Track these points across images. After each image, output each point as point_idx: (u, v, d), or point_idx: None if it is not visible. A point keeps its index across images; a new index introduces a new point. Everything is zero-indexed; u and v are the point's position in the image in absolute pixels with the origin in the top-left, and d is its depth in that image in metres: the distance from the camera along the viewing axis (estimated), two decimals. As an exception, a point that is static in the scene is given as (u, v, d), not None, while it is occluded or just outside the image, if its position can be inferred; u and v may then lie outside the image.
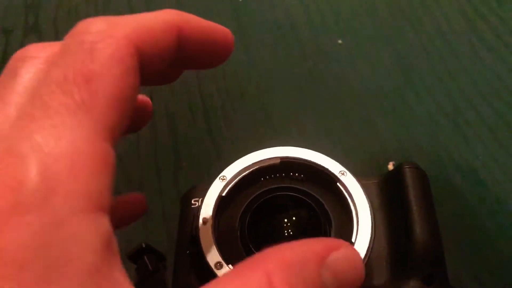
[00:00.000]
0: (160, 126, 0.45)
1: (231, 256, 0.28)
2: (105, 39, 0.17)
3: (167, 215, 0.40)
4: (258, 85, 0.47)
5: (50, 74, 0.16)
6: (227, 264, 0.27)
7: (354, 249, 0.19)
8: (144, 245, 0.35)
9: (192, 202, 0.35)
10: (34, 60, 0.19)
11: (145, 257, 0.35)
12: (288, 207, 0.32)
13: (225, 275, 0.16)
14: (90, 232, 0.14)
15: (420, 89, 0.45)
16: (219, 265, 0.27)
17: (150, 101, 0.27)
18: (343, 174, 0.30)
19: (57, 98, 0.16)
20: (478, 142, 0.42)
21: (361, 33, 0.49)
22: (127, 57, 0.17)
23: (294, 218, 0.32)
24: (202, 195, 0.31)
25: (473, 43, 0.47)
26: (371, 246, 0.28)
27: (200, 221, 0.29)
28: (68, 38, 0.18)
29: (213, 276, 0.27)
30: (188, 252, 0.32)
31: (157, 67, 0.20)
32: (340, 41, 0.49)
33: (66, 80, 0.16)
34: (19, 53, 0.19)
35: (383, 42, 0.48)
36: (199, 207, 0.30)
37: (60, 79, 0.16)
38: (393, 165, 0.40)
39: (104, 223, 0.15)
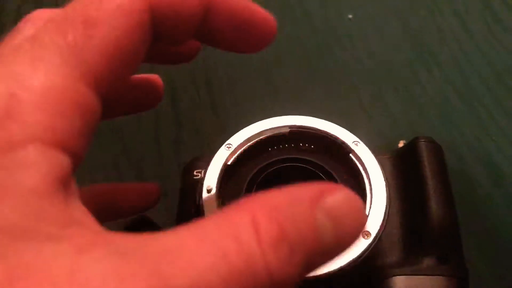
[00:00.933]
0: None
1: (236, 227, 0.27)
2: None
3: (167, 190, 0.38)
4: (264, 58, 0.45)
5: (53, 17, 0.16)
6: (232, 234, 0.26)
7: (354, 193, 0.16)
8: (141, 217, 0.34)
9: (195, 173, 0.33)
10: (38, 20, 0.18)
11: (142, 230, 0.33)
12: (297, 179, 0.30)
13: (210, 217, 0.15)
14: (42, 161, 0.14)
15: (433, 67, 0.43)
16: (223, 235, 0.26)
17: (160, 81, 0.27)
18: (356, 144, 0.29)
19: (50, 35, 0.15)
20: (492, 123, 0.40)
21: (372, 8, 0.47)
22: (137, 11, 0.17)
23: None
24: (205, 166, 0.29)
25: (488, 22, 0.46)
26: (385, 220, 0.26)
27: (204, 189, 0.28)
28: None
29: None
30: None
31: (176, 36, 0.19)
32: (350, 16, 0.47)
33: (65, 20, 0.16)
34: (25, 17, 0.19)
35: (394, 17, 0.47)
36: (203, 176, 0.29)
37: (61, 19, 0.16)
38: (404, 143, 0.39)
39: (60, 159, 0.14)
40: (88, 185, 0.29)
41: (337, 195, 0.16)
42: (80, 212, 0.15)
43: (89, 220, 0.15)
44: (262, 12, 0.21)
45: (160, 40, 0.18)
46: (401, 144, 0.37)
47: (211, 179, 0.28)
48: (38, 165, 0.14)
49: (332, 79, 0.44)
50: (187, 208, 0.31)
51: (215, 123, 0.41)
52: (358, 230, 0.17)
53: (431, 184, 0.29)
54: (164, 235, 0.14)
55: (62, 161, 0.14)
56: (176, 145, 0.40)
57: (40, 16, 0.18)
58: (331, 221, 0.15)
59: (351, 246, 0.25)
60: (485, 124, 0.40)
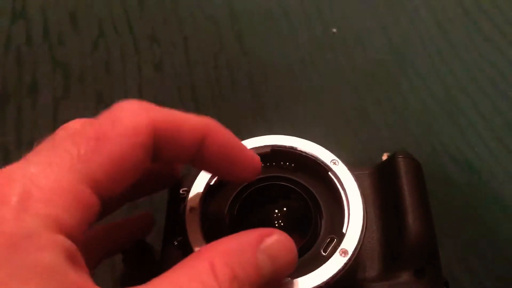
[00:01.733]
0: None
1: (219, 247, 0.28)
2: (131, 115, 0.20)
3: (155, 206, 0.39)
4: (250, 73, 0.46)
5: (78, 129, 0.20)
6: (214, 254, 0.27)
7: (286, 235, 0.22)
8: (137, 241, 0.34)
9: (181, 192, 0.34)
10: (69, 130, 0.21)
11: (138, 253, 0.34)
12: (279, 197, 0.31)
13: (173, 267, 0.20)
14: (53, 244, 0.17)
15: (415, 78, 0.44)
16: (206, 256, 0.27)
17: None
18: (335, 163, 0.30)
19: (65, 145, 0.19)
20: (472, 132, 0.41)
21: (356, 22, 0.48)
22: (142, 135, 0.20)
23: (284, 208, 0.31)
24: (191, 185, 0.30)
25: (469, 32, 0.47)
26: (362, 237, 0.27)
27: (188, 208, 0.29)
28: (105, 113, 0.21)
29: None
30: (175, 243, 0.31)
31: (174, 159, 0.24)
32: (334, 30, 0.48)
33: (81, 133, 0.20)
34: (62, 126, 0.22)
35: (378, 31, 0.47)
36: (186, 196, 0.29)
37: (78, 131, 0.20)
38: (388, 156, 0.39)
39: (66, 242, 0.18)
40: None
41: (273, 238, 0.22)
42: (86, 280, 0.18)
43: (92, 285, 0.18)
44: (249, 152, 0.26)
45: (158, 161, 0.22)
46: (384, 157, 0.37)
47: (194, 199, 0.29)
48: (51, 247, 0.17)
49: (316, 92, 0.45)
50: (174, 226, 0.32)
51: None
52: (291, 264, 0.22)
53: (408, 199, 0.30)
54: None
55: (68, 243, 0.18)
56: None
57: (71, 127, 0.21)
58: (269, 259, 0.21)
59: (330, 264, 0.26)
60: (466, 133, 0.41)
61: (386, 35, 0.47)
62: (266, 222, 0.31)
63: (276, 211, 0.31)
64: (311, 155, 0.30)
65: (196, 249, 0.27)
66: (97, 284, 0.18)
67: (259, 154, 0.31)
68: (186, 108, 0.43)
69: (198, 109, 0.44)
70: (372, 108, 0.43)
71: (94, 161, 0.19)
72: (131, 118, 0.20)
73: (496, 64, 0.44)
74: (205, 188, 0.30)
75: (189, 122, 0.23)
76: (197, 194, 0.29)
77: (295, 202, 0.30)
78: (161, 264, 0.32)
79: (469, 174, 0.39)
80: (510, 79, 0.43)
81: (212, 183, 0.30)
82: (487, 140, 0.40)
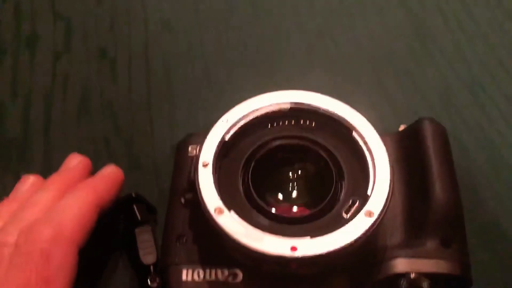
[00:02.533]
0: (155, 73, 0.41)
1: (233, 204, 0.26)
2: (57, 246, 0.25)
3: (159, 168, 0.37)
4: (263, 38, 0.44)
5: (17, 277, 0.24)
6: (229, 210, 0.25)
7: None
8: (134, 195, 0.32)
9: (189, 149, 0.32)
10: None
11: (134, 206, 0.31)
12: (297, 158, 0.29)
13: None
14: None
15: (435, 52, 0.42)
16: (219, 211, 0.25)
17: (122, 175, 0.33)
18: (360, 122, 0.28)
19: None
20: (494, 109, 0.39)
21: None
22: (73, 256, 0.26)
23: (302, 169, 0.29)
24: (201, 141, 0.28)
25: (493, 9, 0.45)
26: (389, 198, 0.25)
27: (200, 163, 0.26)
28: (29, 245, 0.25)
29: (212, 223, 0.25)
30: (183, 200, 0.29)
31: None
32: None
33: (29, 284, 0.24)
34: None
35: (397, 1, 0.45)
36: (199, 151, 0.27)
37: (26, 282, 0.24)
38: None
39: None
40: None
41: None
42: None
43: None
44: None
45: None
46: (401, 128, 0.35)
47: (207, 154, 0.27)
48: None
49: (331, 62, 0.42)
50: (181, 184, 0.30)
51: (210, 101, 0.40)
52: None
53: (435, 165, 0.28)
54: None
55: None
56: (169, 122, 0.39)
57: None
58: None
59: (353, 226, 0.24)
60: (487, 111, 0.39)
61: (405, 5, 0.45)
62: (283, 184, 0.29)
63: (294, 172, 0.29)
64: (334, 113, 0.28)
65: (210, 206, 0.25)
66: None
67: (278, 111, 0.29)
68: (195, 68, 0.42)
69: (207, 70, 0.42)
70: (389, 81, 0.41)
71: None
72: (58, 250, 0.25)
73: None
74: (219, 144, 0.28)
75: (91, 214, 0.28)
76: (211, 149, 0.27)
77: (314, 163, 0.28)
78: (166, 222, 0.30)
79: (490, 152, 0.37)
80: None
81: (227, 139, 0.28)
82: (509, 118, 0.38)
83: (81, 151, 0.35)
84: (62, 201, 0.27)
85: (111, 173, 0.32)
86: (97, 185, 0.30)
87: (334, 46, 0.43)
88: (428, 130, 0.29)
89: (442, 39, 0.43)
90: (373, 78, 0.41)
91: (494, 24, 0.44)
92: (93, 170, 0.33)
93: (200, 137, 0.29)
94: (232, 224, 0.24)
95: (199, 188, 0.26)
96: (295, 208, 0.27)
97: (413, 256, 0.26)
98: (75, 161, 0.33)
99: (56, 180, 0.31)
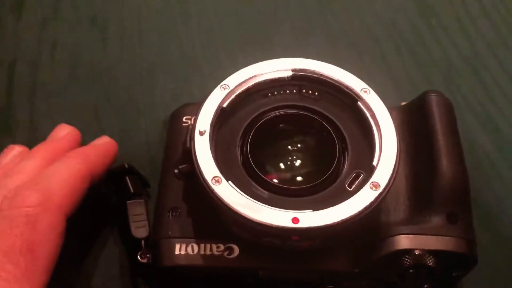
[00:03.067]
0: (148, 41, 0.40)
1: (231, 174, 0.24)
2: (44, 212, 0.23)
3: (151, 140, 0.35)
4: (262, 11, 0.42)
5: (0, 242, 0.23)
6: (227, 180, 0.23)
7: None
8: (127, 166, 0.31)
9: (184, 119, 0.31)
10: None
11: (127, 178, 0.30)
12: (298, 128, 0.28)
13: None
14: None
15: (437, 29, 0.41)
16: (216, 180, 0.23)
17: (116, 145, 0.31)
18: (365, 92, 0.26)
19: (6, 268, 0.22)
20: (496, 88, 0.38)
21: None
22: (60, 224, 0.24)
23: (305, 140, 0.28)
24: (197, 110, 0.26)
25: (496, -14, 0.44)
26: (395, 173, 0.24)
27: (197, 131, 0.25)
28: (13, 209, 0.23)
29: (209, 193, 0.23)
30: (177, 171, 0.27)
31: None
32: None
33: (13, 250, 0.22)
34: None
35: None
36: (195, 119, 0.26)
37: (9, 248, 0.22)
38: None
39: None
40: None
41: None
42: None
43: None
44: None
45: None
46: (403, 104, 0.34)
47: (204, 121, 0.26)
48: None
49: (331, 36, 0.41)
50: (174, 155, 0.28)
51: (205, 73, 0.38)
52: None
53: (441, 139, 0.27)
54: None
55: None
56: (162, 92, 0.37)
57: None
58: None
59: (358, 199, 0.23)
60: (489, 89, 0.38)
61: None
62: (284, 155, 0.27)
63: (294, 143, 0.28)
64: (338, 81, 0.27)
65: (207, 175, 0.23)
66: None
67: (278, 79, 0.28)
68: (190, 38, 0.40)
69: (203, 40, 0.40)
70: (391, 57, 0.40)
71: (36, 274, 0.23)
72: (46, 215, 0.24)
73: (523, 23, 0.42)
74: (216, 111, 0.26)
75: (80, 183, 0.26)
76: (208, 116, 0.26)
77: (316, 134, 0.27)
78: (159, 195, 0.28)
79: (492, 130, 0.36)
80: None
81: (225, 105, 0.26)
82: (511, 96, 0.37)
83: (69, 121, 0.33)
84: (50, 167, 0.26)
85: (104, 143, 0.31)
86: (88, 154, 0.28)
87: (335, 21, 0.42)
88: (434, 104, 0.28)
89: (445, 16, 0.42)
90: (375, 54, 0.40)
91: (497, 2, 0.43)
92: (83, 142, 0.32)
93: (195, 107, 0.27)
94: (231, 194, 0.23)
95: (196, 157, 0.24)
96: (295, 180, 0.26)
97: (417, 233, 0.25)
98: (63, 132, 0.31)
99: (43, 149, 0.29)
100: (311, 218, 0.22)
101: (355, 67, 0.39)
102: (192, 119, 0.28)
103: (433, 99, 0.28)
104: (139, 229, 0.29)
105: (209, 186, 0.23)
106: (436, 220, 0.25)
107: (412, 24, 0.42)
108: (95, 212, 0.31)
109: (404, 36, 0.41)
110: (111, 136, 0.34)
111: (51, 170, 0.26)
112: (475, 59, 0.40)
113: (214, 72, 0.38)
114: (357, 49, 0.40)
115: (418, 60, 0.40)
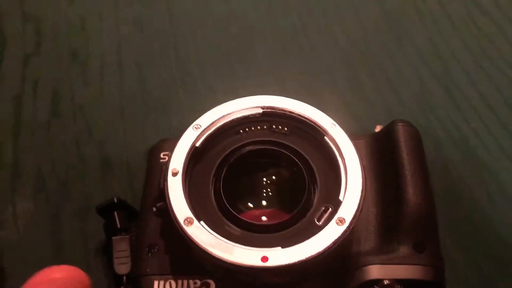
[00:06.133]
0: (127, 75, 0.41)
1: (203, 213, 0.25)
2: None
3: (132, 172, 0.36)
4: (238, 38, 0.43)
5: None
6: (198, 220, 0.24)
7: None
8: (116, 200, 0.31)
9: (161, 156, 0.32)
10: None
11: (115, 213, 0.31)
12: (270, 163, 0.29)
13: None
14: None
15: (410, 49, 0.42)
16: (188, 221, 0.24)
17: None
18: (332, 127, 0.27)
19: None
20: (469, 107, 0.39)
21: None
22: None
23: (275, 175, 0.29)
24: (173, 148, 0.27)
25: (467, 5, 0.45)
26: (361, 205, 0.25)
27: (170, 172, 0.26)
28: None
29: (182, 234, 0.24)
30: (154, 209, 0.28)
31: None
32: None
33: None
34: None
35: (372, -3, 0.45)
36: (169, 158, 0.27)
37: None
38: (381, 128, 0.37)
39: None
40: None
41: None
42: None
43: None
44: None
45: None
46: (378, 129, 0.35)
47: (177, 161, 0.26)
48: None
49: (306, 59, 0.42)
50: (152, 193, 0.29)
51: (184, 103, 0.39)
52: None
53: (408, 169, 0.28)
54: None
55: None
56: (142, 125, 0.38)
57: None
58: None
59: (325, 234, 0.24)
60: (462, 108, 0.39)
61: (380, 3, 0.45)
62: (256, 189, 0.28)
63: (266, 178, 0.29)
64: (306, 117, 0.28)
65: (179, 216, 0.24)
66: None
67: (249, 116, 0.28)
68: (169, 69, 0.41)
69: (182, 71, 0.41)
70: (365, 78, 0.41)
71: None
72: None
73: (494, 40, 0.43)
74: (189, 151, 0.27)
75: None
76: (181, 156, 0.27)
77: (287, 168, 0.28)
78: (138, 231, 0.29)
79: (465, 150, 0.37)
80: (507, 56, 0.42)
81: (197, 144, 0.27)
82: (484, 116, 0.38)
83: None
84: None
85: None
86: None
87: (309, 45, 0.43)
88: (401, 134, 0.29)
89: (418, 37, 0.43)
90: (348, 77, 0.41)
91: (468, 21, 0.44)
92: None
93: (172, 143, 0.28)
94: (202, 234, 0.24)
95: (169, 198, 0.25)
96: (265, 217, 0.27)
97: (386, 262, 0.26)
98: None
99: None
100: (280, 256, 0.23)
101: (330, 90, 0.41)
102: (170, 154, 0.29)
103: (400, 129, 0.29)
104: (122, 266, 0.29)
105: (181, 227, 0.24)
106: (404, 249, 0.26)
107: (385, 46, 0.43)
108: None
109: (377, 58, 0.42)
110: (93, 170, 0.35)
111: None
112: (447, 78, 0.41)
113: (193, 100, 0.39)
114: (331, 72, 0.41)
115: (391, 81, 0.41)
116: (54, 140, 0.37)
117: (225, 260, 0.23)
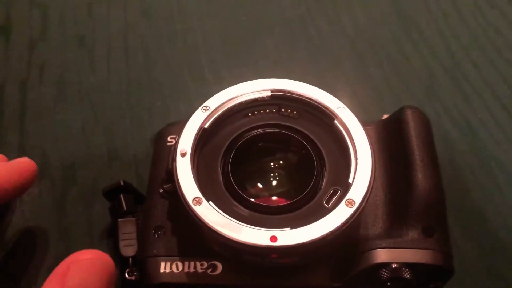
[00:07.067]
0: (134, 61, 0.40)
1: (212, 194, 0.25)
2: None
3: (138, 158, 0.36)
4: (246, 27, 0.43)
5: None
6: (207, 201, 0.24)
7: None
8: (122, 183, 0.31)
9: (168, 139, 0.31)
10: None
11: (121, 196, 0.30)
12: (278, 147, 0.28)
13: None
14: None
15: (419, 41, 0.42)
16: (197, 201, 0.24)
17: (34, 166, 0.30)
18: (341, 110, 0.27)
19: None
20: (477, 99, 0.39)
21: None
22: None
23: (283, 158, 0.28)
24: (181, 130, 0.27)
25: (476, -2, 0.45)
26: (371, 187, 0.24)
27: (178, 152, 0.26)
28: None
29: (190, 213, 0.24)
30: (161, 191, 0.28)
31: None
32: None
33: None
34: None
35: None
36: (177, 139, 0.27)
37: None
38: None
39: None
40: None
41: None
42: None
43: None
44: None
45: None
46: (384, 117, 0.35)
47: (185, 142, 0.26)
48: None
49: (314, 50, 0.42)
50: (159, 175, 0.29)
51: (191, 91, 0.39)
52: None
53: (417, 154, 0.28)
54: None
55: None
56: (149, 111, 0.38)
57: None
58: None
59: (334, 215, 0.23)
60: (470, 100, 0.39)
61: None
62: (264, 173, 0.28)
63: (274, 161, 0.28)
64: (315, 100, 0.28)
65: (188, 196, 0.24)
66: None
67: (258, 99, 0.28)
68: (176, 57, 0.41)
69: (188, 59, 0.41)
70: (373, 69, 0.41)
71: None
72: None
73: (501, 31, 0.42)
74: (197, 132, 0.27)
75: None
76: (189, 137, 0.27)
77: (295, 151, 0.28)
78: (145, 213, 0.29)
79: (472, 141, 0.37)
80: (515, 48, 0.41)
81: (206, 126, 0.27)
82: (491, 107, 0.38)
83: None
84: None
85: (18, 162, 0.30)
86: None
87: (317, 35, 0.43)
88: (410, 119, 0.29)
89: (426, 28, 0.43)
90: (357, 67, 0.41)
91: (477, 14, 0.44)
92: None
93: (179, 126, 0.28)
94: (211, 214, 0.24)
95: (177, 178, 0.25)
96: (275, 198, 0.27)
97: (394, 246, 0.25)
98: None
99: None
100: (289, 237, 0.23)
101: (338, 80, 0.41)
102: (176, 137, 0.29)
103: (409, 115, 0.29)
104: (128, 248, 0.29)
105: (190, 207, 0.24)
106: (413, 233, 0.26)
107: (394, 37, 0.43)
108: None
109: (386, 48, 0.42)
110: (99, 155, 0.34)
111: None
112: (455, 69, 0.41)
113: (200, 88, 0.39)
114: (340, 62, 0.41)
115: (400, 72, 0.41)
116: (60, 125, 0.37)
117: (235, 240, 0.23)
